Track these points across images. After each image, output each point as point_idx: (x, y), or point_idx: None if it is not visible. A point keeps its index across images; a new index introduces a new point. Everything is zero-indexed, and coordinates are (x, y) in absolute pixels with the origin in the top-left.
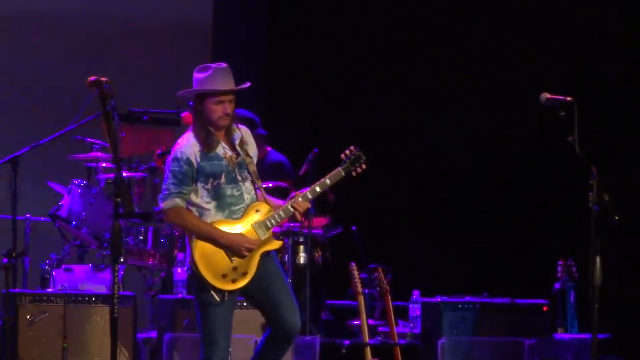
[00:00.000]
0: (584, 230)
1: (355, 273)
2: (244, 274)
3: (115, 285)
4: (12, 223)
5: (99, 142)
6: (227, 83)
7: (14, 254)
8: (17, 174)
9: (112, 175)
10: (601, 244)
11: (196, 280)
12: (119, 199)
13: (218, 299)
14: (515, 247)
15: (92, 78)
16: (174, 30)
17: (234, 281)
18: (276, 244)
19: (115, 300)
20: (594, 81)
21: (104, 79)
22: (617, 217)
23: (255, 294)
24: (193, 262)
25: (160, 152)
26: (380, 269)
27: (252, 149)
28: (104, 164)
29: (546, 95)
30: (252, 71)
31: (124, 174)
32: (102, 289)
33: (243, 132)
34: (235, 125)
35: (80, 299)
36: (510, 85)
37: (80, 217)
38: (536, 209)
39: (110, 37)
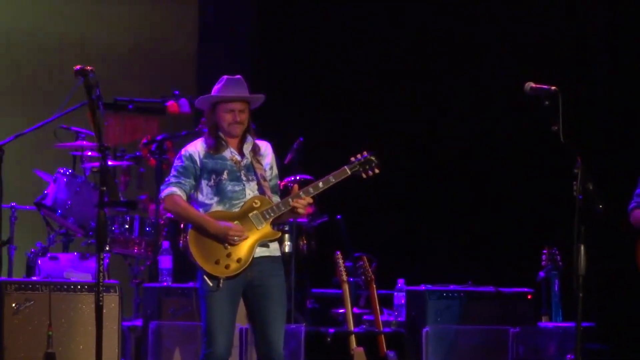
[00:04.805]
0: (569, 219)
1: (340, 261)
2: (238, 261)
3: (101, 274)
4: None
5: (84, 130)
6: (237, 92)
7: None
8: (2, 163)
9: (97, 164)
10: (585, 233)
11: (195, 271)
12: (104, 188)
13: (211, 284)
14: (500, 236)
15: (78, 67)
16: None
17: (227, 267)
18: (273, 234)
19: (101, 289)
20: (578, 71)
21: (89, 67)
22: (601, 206)
23: (251, 305)
24: (189, 250)
25: (145, 141)
26: (365, 258)
27: (266, 160)
28: (89, 153)
29: (531, 84)
30: (237, 59)
31: (109, 163)
32: (87, 278)
33: (261, 145)
34: (253, 138)
35: (65, 287)
36: (494, 74)
37: (66, 205)
38: (521, 197)
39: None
